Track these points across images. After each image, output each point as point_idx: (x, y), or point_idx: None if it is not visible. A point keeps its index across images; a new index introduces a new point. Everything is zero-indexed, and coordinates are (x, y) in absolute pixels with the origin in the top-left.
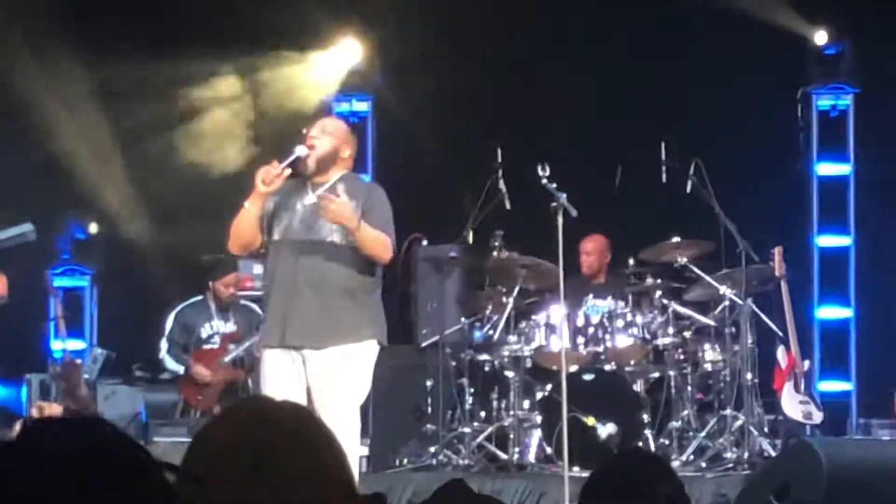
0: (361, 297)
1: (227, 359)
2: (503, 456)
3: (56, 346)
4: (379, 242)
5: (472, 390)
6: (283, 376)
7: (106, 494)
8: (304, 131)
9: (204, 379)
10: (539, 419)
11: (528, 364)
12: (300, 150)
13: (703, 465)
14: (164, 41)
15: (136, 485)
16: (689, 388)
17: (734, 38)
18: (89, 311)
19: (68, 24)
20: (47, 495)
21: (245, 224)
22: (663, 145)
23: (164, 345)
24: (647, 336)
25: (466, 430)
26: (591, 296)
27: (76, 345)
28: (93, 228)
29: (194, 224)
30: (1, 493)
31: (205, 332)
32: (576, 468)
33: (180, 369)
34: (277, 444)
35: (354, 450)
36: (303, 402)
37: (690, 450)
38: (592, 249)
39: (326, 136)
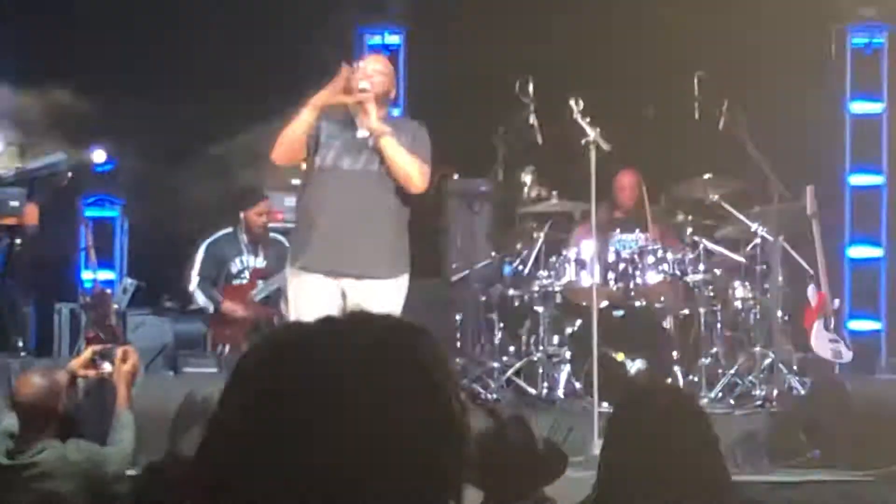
0: (400, 229)
1: (259, 296)
2: (532, 391)
3: (86, 275)
4: (413, 165)
5: (502, 325)
6: (321, 301)
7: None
8: (360, 65)
9: (235, 315)
10: (568, 354)
11: (558, 299)
12: (365, 84)
13: (732, 402)
14: None
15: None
16: (719, 325)
17: None
18: (119, 242)
19: None
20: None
21: (300, 131)
22: (696, 81)
23: (195, 278)
24: (678, 273)
25: (495, 364)
26: (618, 230)
27: (106, 275)
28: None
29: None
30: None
31: (235, 266)
32: (605, 404)
33: (210, 306)
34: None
35: None
36: None
37: (719, 387)
38: (629, 184)
39: (384, 76)
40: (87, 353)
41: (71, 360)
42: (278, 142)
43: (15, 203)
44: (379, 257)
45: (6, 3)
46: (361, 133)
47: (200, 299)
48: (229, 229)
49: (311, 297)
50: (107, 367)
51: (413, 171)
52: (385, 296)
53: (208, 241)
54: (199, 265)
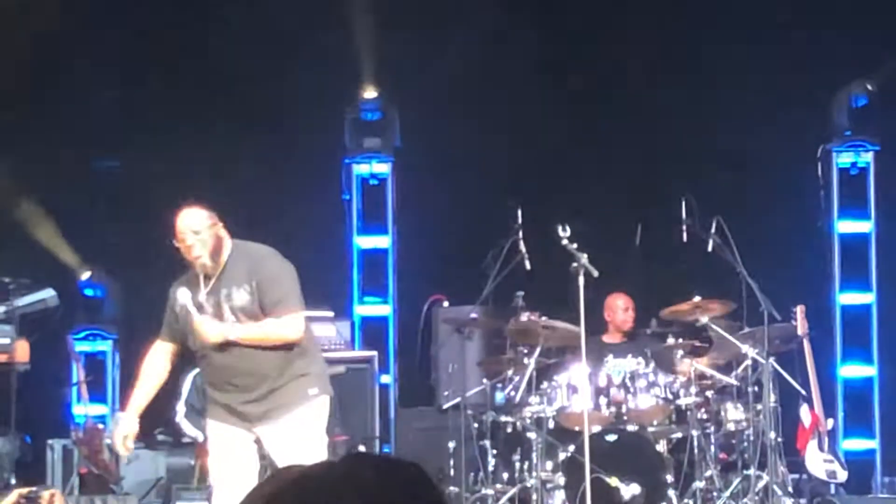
0: (293, 368)
1: None
2: None
3: (78, 410)
4: (272, 334)
5: (495, 452)
6: (236, 447)
7: None
8: (172, 242)
9: None
10: (562, 480)
11: (551, 425)
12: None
13: None
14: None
15: None
16: (713, 447)
17: (754, 97)
18: (111, 376)
19: None
20: None
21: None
22: (683, 204)
23: (180, 408)
24: (670, 396)
25: (489, 491)
26: (611, 356)
27: (98, 409)
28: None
29: None
30: None
31: None
32: None
33: (199, 435)
34: None
35: None
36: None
37: None
38: (627, 304)
39: (198, 236)
40: (12, 496)
41: None
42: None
43: (5, 340)
44: (280, 405)
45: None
46: (202, 297)
47: (188, 429)
48: None
49: (226, 444)
50: None
51: (280, 335)
52: (297, 425)
53: (194, 371)
54: (185, 395)
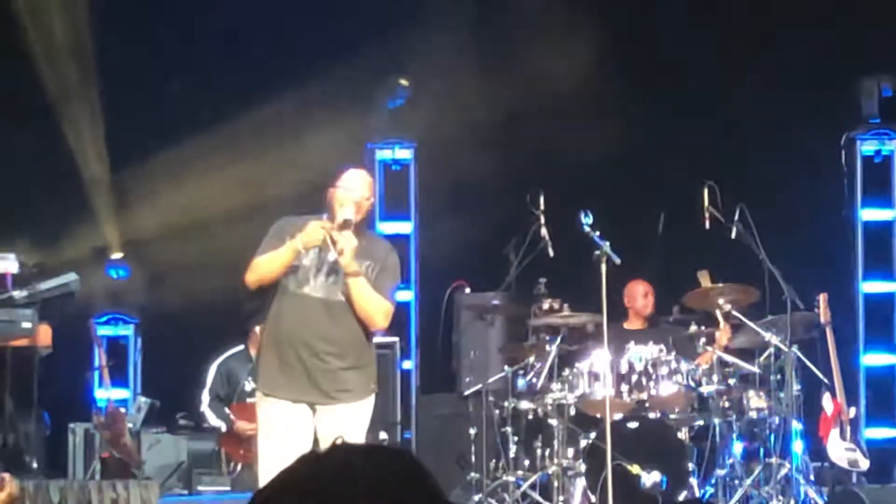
0: (368, 353)
1: None
2: None
3: (100, 395)
4: (377, 306)
5: (516, 438)
6: (291, 427)
7: None
8: (345, 185)
9: (247, 433)
10: (583, 467)
11: (572, 412)
12: (349, 213)
13: None
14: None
15: None
16: (734, 435)
17: (778, 83)
18: (133, 360)
19: None
20: None
21: (279, 267)
22: (706, 191)
23: (205, 397)
24: (692, 383)
25: (510, 478)
26: (632, 342)
27: (120, 393)
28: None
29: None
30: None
31: (249, 384)
32: None
33: (222, 425)
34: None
35: None
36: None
37: (736, 498)
38: (646, 290)
39: (370, 196)
40: None
41: None
42: (253, 268)
43: (28, 324)
44: (347, 383)
45: None
46: (332, 255)
47: (212, 419)
48: (240, 347)
49: (281, 423)
50: None
51: (376, 312)
52: (354, 418)
53: (219, 359)
54: (210, 384)
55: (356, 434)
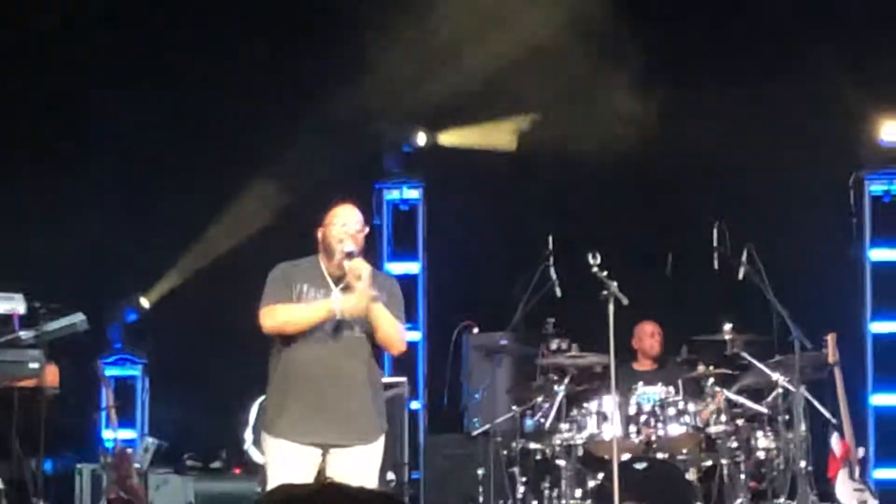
0: (377, 392)
1: None
2: None
3: (108, 435)
4: (395, 327)
5: (524, 479)
6: (300, 471)
7: None
8: (339, 221)
9: None
10: None
11: (580, 453)
12: (349, 246)
13: None
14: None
15: None
16: (743, 476)
17: (786, 123)
18: (141, 400)
19: None
20: None
21: (312, 321)
22: (715, 231)
23: (248, 436)
24: (700, 424)
25: None
26: (640, 383)
27: (127, 434)
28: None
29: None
30: None
31: None
32: None
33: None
34: None
35: None
36: None
37: None
38: (653, 330)
39: (362, 228)
40: None
41: None
42: (272, 316)
43: (35, 365)
44: (359, 425)
45: None
46: (335, 294)
47: (257, 456)
48: None
49: (290, 467)
50: None
51: (397, 336)
52: (368, 460)
53: (261, 398)
54: (252, 422)
55: (371, 475)
